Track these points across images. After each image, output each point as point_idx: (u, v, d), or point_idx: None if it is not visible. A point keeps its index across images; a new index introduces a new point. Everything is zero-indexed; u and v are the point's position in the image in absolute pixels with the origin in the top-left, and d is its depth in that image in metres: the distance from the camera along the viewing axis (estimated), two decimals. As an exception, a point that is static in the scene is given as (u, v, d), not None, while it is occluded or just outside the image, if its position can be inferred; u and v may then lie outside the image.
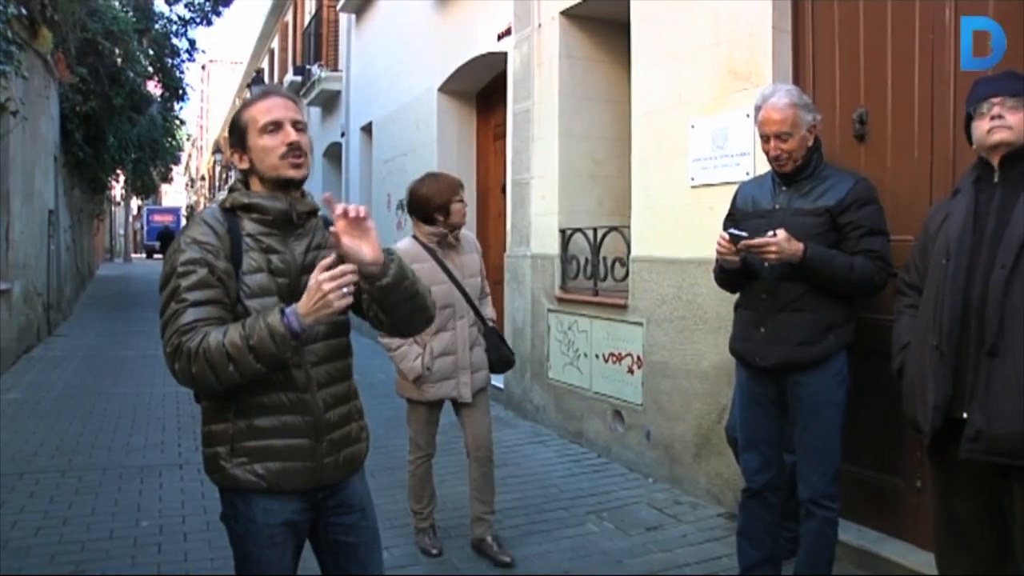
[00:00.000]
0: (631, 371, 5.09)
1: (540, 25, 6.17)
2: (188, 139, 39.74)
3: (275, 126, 1.89)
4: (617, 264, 5.36)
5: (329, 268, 1.73)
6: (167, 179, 30.42)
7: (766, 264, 2.95)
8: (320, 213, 2.04)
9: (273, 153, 1.88)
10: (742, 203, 3.21)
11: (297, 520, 1.96)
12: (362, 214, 1.80)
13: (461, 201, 3.72)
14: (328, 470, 1.97)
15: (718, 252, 2.96)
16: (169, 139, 21.38)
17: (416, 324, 2.08)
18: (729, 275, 3.09)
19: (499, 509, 4.13)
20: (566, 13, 5.90)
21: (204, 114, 50.66)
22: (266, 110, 1.90)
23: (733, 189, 4.13)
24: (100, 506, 4.31)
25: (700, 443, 4.49)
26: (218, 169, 37.86)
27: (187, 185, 64.19)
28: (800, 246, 2.81)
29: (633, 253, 5.04)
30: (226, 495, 1.96)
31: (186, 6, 16.52)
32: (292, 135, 1.89)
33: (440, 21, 8.57)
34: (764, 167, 4.01)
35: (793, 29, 4.09)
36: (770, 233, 2.82)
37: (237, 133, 1.94)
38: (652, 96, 4.86)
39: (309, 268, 1.87)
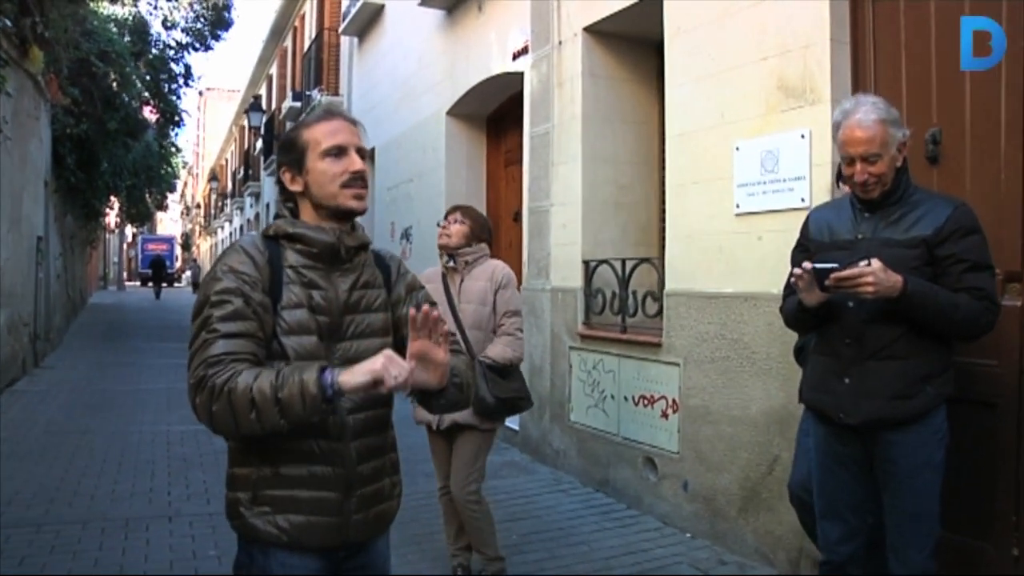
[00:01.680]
0: (665, 415, 4.65)
1: (561, 43, 5.80)
2: (184, 166, 39.48)
3: (339, 151, 1.75)
4: (649, 298, 4.95)
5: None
6: (162, 207, 30.10)
7: (850, 304, 2.54)
8: (372, 248, 1.90)
9: (335, 180, 1.75)
10: (816, 233, 2.79)
11: None
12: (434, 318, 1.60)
13: (440, 225, 3.73)
14: (355, 528, 1.79)
15: (796, 287, 2.55)
16: (165, 166, 21.07)
17: (447, 410, 1.96)
18: (809, 315, 2.65)
19: (527, 572, 3.79)
20: (590, 29, 5.53)
21: (200, 141, 50.42)
22: (330, 132, 1.76)
23: (785, 217, 3.84)
24: (78, 567, 3.83)
25: (747, 496, 4.04)
26: (214, 197, 37.51)
27: (182, 213, 63.84)
28: (899, 278, 2.39)
29: (668, 287, 4.63)
30: (244, 544, 1.79)
31: (183, 31, 16.32)
32: (358, 163, 1.77)
33: (449, 42, 8.23)
34: (821, 193, 3.67)
35: (852, 40, 3.73)
36: (863, 263, 2.41)
37: (293, 152, 1.78)
38: (689, 116, 4.48)
39: (353, 307, 1.78)
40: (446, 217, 3.75)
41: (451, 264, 3.68)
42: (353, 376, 1.53)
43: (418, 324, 1.58)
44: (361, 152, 1.78)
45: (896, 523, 2.56)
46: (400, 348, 1.77)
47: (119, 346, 13.67)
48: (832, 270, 2.42)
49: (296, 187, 1.79)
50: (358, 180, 1.75)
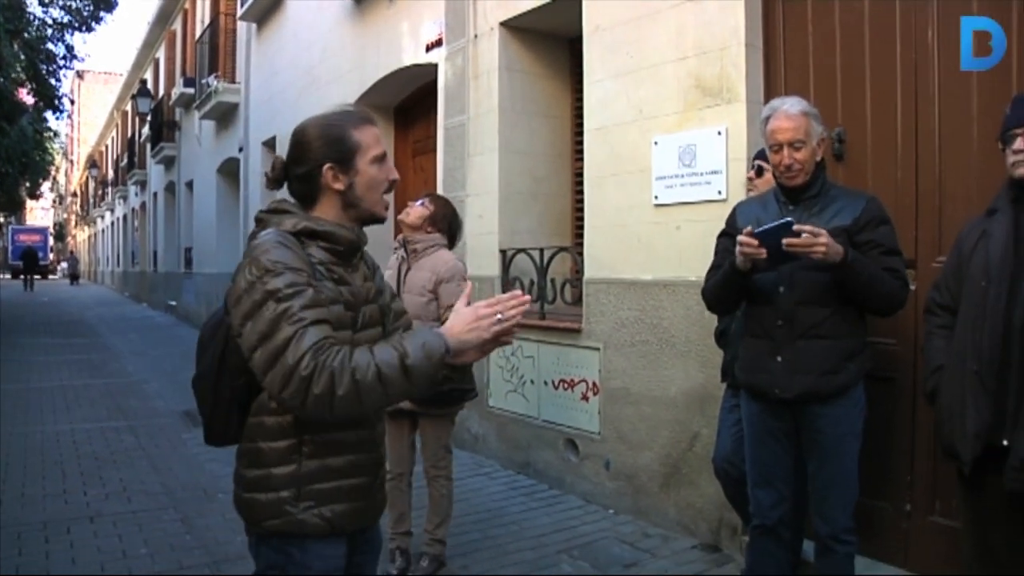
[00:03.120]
0: (586, 398, 4.85)
1: (476, 36, 5.91)
2: (60, 153, 37.39)
3: (383, 158, 1.84)
4: (568, 286, 5.13)
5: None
6: (35, 195, 28.43)
7: (781, 289, 2.77)
8: (400, 239, 2.05)
9: (380, 187, 1.83)
10: (744, 223, 3.00)
11: (343, 564, 1.84)
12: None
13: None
14: (378, 507, 1.94)
15: (744, 253, 2.68)
16: (40, 153, 19.98)
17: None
18: (737, 281, 2.83)
19: (465, 552, 3.89)
20: (507, 24, 5.66)
21: (75, 127, 47.80)
22: (375, 139, 1.83)
23: (703, 209, 4.08)
24: (-3, 572, 3.71)
25: (668, 472, 4.29)
26: (92, 185, 35.65)
27: (54, 202, 60.35)
28: (840, 247, 2.62)
29: (587, 274, 4.82)
30: (276, 543, 1.78)
31: (62, 8, 15.51)
32: (395, 172, 1.87)
33: (358, 32, 8.19)
34: (736, 187, 3.91)
35: (764, 44, 4.00)
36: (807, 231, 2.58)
37: (342, 151, 1.78)
38: (607, 111, 4.68)
39: (367, 300, 1.86)
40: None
41: (402, 253, 3.75)
42: (455, 326, 1.66)
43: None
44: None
45: (821, 487, 2.82)
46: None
47: (-2, 342, 12.90)
48: (787, 224, 2.56)
49: (338, 185, 1.78)
50: (392, 189, 1.85)
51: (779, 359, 2.78)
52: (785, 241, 2.57)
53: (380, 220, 1.87)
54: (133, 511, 4.51)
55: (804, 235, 2.55)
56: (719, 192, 3.99)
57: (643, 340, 4.41)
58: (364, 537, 1.92)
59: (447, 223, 3.83)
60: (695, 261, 4.10)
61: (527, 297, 1.71)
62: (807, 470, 2.88)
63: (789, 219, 2.61)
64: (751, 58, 3.93)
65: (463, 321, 1.66)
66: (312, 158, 1.77)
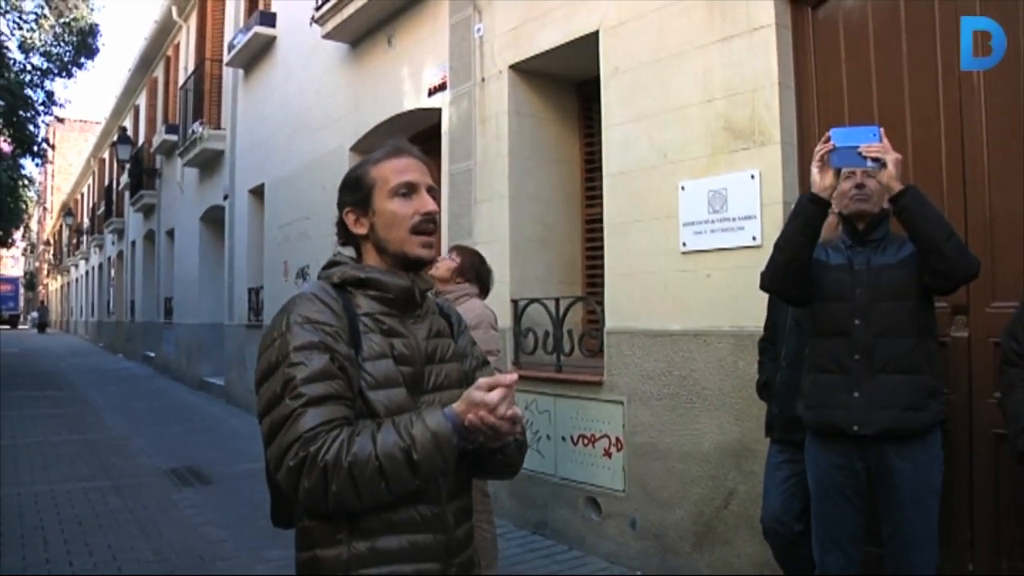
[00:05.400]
0: (608, 454, 4.62)
1: (484, 80, 5.78)
2: (36, 201, 36.87)
3: (409, 189, 1.62)
4: (587, 337, 4.93)
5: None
6: (7, 244, 27.90)
7: (857, 321, 2.63)
8: (431, 293, 1.75)
9: (404, 223, 1.60)
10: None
11: None
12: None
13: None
14: None
15: (815, 169, 2.61)
16: (13, 200, 19.63)
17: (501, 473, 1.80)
18: (816, 212, 2.62)
19: None
20: (516, 67, 5.53)
21: (49, 173, 47.27)
22: (399, 170, 1.62)
23: (736, 255, 3.92)
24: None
25: (701, 532, 4.05)
26: (66, 234, 35.09)
27: (25, 251, 59.35)
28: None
29: (609, 325, 4.62)
30: None
31: (43, 55, 15.31)
32: (429, 203, 1.62)
33: (354, 76, 8.05)
34: (772, 231, 3.74)
35: (796, 84, 3.88)
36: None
37: (359, 192, 1.64)
38: (628, 155, 4.53)
39: (431, 357, 1.64)
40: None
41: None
42: (472, 412, 1.42)
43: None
44: (432, 191, 1.65)
45: (898, 550, 2.62)
46: None
47: (-33, 396, 12.38)
48: (871, 130, 2.55)
49: (360, 230, 1.64)
50: (429, 223, 1.61)
51: (856, 394, 2.61)
52: (863, 146, 2.51)
53: (418, 262, 1.63)
54: (125, 582, 4.20)
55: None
56: (753, 238, 3.84)
57: (672, 393, 4.21)
58: None
59: (474, 272, 3.80)
60: (728, 309, 3.94)
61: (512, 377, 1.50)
62: (882, 532, 2.67)
63: (877, 125, 2.57)
64: (784, 98, 3.81)
65: (471, 408, 1.44)
66: (339, 205, 1.68)
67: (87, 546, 4.85)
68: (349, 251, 1.73)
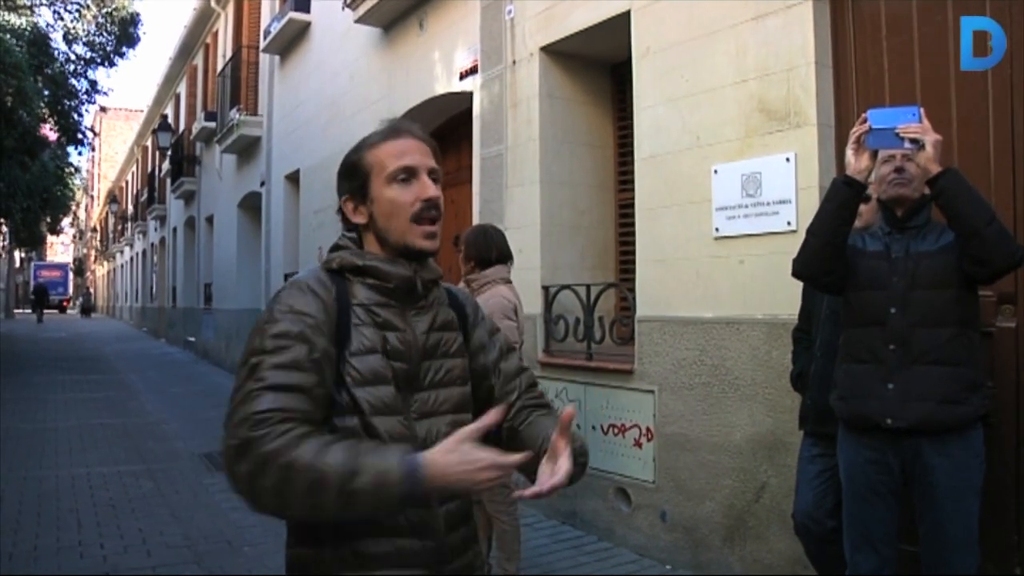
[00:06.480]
0: (639, 444, 4.53)
1: (515, 62, 5.68)
2: (82, 188, 37.62)
3: (408, 174, 1.50)
4: (618, 324, 4.83)
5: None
6: (56, 231, 28.52)
7: (893, 310, 2.50)
8: (442, 283, 1.64)
9: (403, 211, 1.50)
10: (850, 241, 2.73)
11: None
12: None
13: None
14: None
15: (850, 152, 2.53)
16: (61, 188, 19.99)
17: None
18: (844, 218, 2.54)
19: None
20: (547, 49, 5.42)
21: (96, 162, 48.19)
22: (397, 153, 1.51)
23: (770, 241, 3.78)
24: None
25: (732, 525, 3.95)
26: (111, 221, 35.78)
27: (75, 237, 60.71)
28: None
29: (640, 312, 4.52)
30: None
31: (86, 44, 15.53)
32: (430, 188, 1.51)
33: (387, 61, 8.00)
34: (808, 216, 3.60)
35: (834, 62, 3.72)
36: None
37: (355, 178, 1.54)
38: (660, 138, 4.40)
39: (431, 352, 1.54)
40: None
41: None
42: (443, 464, 1.28)
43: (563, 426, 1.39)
44: (434, 175, 1.53)
45: (935, 551, 2.50)
46: (481, 400, 1.58)
47: (12, 379, 12.56)
48: (911, 110, 2.44)
49: (359, 219, 1.55)
50: (431, 209, 1.50)
51: (890, 386, 2.50)
52: (900, 127, 2.40)
53: (421, 253, 1.52)
54: (153, 566, 4.21)
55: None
56: (788, 223, 3.70)
57: (703, 382, 4.10)
58: None
59: (476, 249, 3.69)
60: (761, 297, 3.82)
61: (559, 479, 1.35)
62: (919, 532, 2.55)
63: (917, 106, 2.46)
64: (821, 78, 3.65)
65: (455, 465, 1.28)
66: (338, 192, 1.59)
67: (119, 529, 4.91)
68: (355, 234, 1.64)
